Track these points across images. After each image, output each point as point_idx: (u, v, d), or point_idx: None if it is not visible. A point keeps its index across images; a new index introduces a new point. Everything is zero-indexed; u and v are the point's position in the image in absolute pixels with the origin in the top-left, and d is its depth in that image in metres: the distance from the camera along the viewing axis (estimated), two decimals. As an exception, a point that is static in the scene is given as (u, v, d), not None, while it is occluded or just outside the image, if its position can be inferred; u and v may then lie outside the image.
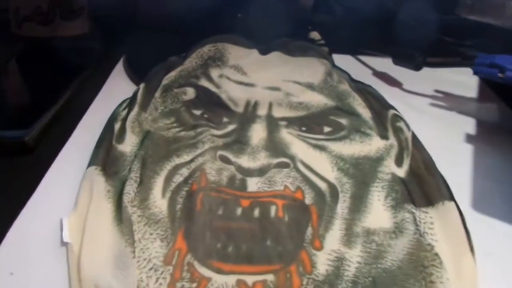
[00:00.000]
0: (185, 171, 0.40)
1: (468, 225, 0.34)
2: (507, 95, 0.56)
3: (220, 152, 0.42)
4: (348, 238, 0.34)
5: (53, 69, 0.59)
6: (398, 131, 0.46)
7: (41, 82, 0.55)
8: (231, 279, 0.31)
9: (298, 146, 0.44)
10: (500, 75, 0.46)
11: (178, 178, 0.40)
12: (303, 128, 0.46)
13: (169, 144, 0.44)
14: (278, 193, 0.38)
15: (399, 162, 0.43)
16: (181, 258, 0.32)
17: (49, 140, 0.46)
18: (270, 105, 0.49)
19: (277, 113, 0.48)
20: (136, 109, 0.48)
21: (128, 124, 0.46)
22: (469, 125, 0.51)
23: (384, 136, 0.46)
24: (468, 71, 0.52)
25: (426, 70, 0.56)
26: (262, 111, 0.48)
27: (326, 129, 0.46)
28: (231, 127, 0.46)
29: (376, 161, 0.42)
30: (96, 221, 0.35)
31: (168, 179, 0.39)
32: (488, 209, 0.38)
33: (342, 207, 0.37)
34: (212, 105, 0.50)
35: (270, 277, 0.31)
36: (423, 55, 0.55)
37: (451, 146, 0.47)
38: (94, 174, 0.39)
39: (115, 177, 0.39)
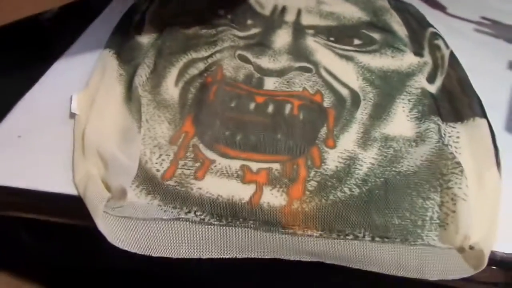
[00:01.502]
0: (201, 65, 0.39)
1: (500, 146, 0.32)
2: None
3: (239, 52, 0.40)
4: (364, 141, 0.33)
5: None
6: (434, 49, 0.43)
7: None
8: (236, 164, 0.30)
9: (323, 54, 0.41)
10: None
11: (193, 71, 0.39)
12: (331, 38, 0.44)
13: (188, 40, 0.42)
14: (296, 93, 0.36)
15: (431, 79, 0.40)
16: (186, 140, 0.32)
17: (69, 24, 0.45)
18: (299, 12, 0.46)
19: (306, 20, 0.45)
20: (157, 1, 0.47)
21: (148, 16, 0.45)
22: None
23: (418, 54, 0.43)
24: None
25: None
26: (289, 17, 0.46)
27: (356, 41, 0.43)
28: (254, 30, 0.44)
29: (406, 75, 0.40)
30: (106, 98, 0.35)
31: (182, 71, 0.39)
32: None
33: (362, 113, 0.35)
34: (238, 5, 0.47)
35: (276, 166, 0.30)
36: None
37: (493, 71, 0.43)
38: (108, 56, 0.39)
39: (130, 64, 0.39)
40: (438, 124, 0.34)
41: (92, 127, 0.31)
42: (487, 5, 0.55)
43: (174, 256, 0.26)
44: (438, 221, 0.27)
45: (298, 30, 0.44)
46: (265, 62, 0.39)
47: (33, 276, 0.37)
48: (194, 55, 0.40)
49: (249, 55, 0.40)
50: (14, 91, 0.36)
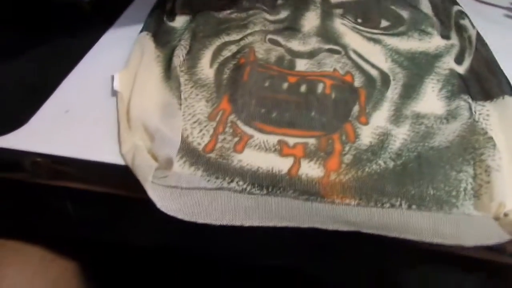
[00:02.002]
0: (233, 48, 0.40)
1: None
2: None
3: (270, 36, 0.41)
4: (397, 118, 0.34)
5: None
6: (461, 29, 0.44)
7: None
8: (273, 138, 0.31)
9: (352, 37, 0.42)
10: None
11: (226, 53, 0.40)
12: (359, 20, 0.44)
13: (219, 24, 0.44)
14: (327, 74, 0.37)
15: (459, 60, 0.40)
16: (224, 116, 0.33)
17: (108, 7, 0.47)
18: None
19: None
20: None
21: (178, 4, 0.47)
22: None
23: (445, 36, 0.43)
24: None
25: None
26: None
27: (384, 23, 0.44)
28: (283, 14, 0.45)
29: (434, 57, 0.40)
30: (146, 77, 0.36)
31: (216, 53, 0.40)
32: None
33: (392, 92, 0.36)
34: None
35: (311, 141, 0.31)
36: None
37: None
38: (146, 39, 0.40)
39: (165, 46, 0.40)
40: (469, 102, 0.34)
41: (135, 103, 0.33)
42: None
43: (218, 223, 0.27)
44: (472, 192, 0.28)
45: (326, 11, 0.45)
46: (295, 45, 0.40)
47: (69, 251, 0.39)
48: (226, 38, 0.42)
49: (279, 39, 0.41)
50: (60, 70, 0.38)
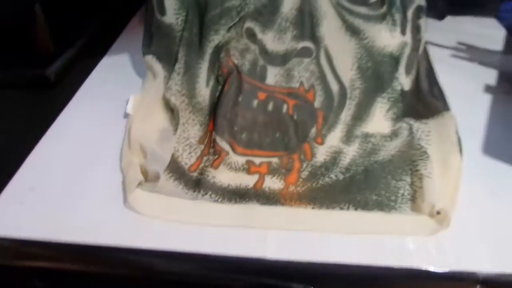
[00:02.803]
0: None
1: (477, 167, 0.36)
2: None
3: (248, 24, 0.43)
4: (348, 138, 0.39)
5: (76, 6, 0.59)
6: (416, 29, 0.45)
7: (64, 21, 0.56)
8: (242, 159, 0.37)
9: (330, 24, 0.42)
10: (524, 21, 0.44)
11: (217, 62, 0.42)
12: None
13: (209, 11, 0.43)
14: (292, 91, 0.41)
15: (408, 69, 0.43)
16: (211, 138, 0.38)
17: (70, 76, 0.48)
18: None
19: None
20: None
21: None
22: (490, 76, 0.49)
23: (403, 31, 0.43)
24: (493, 23, 0.50)
25: (450, 21, 0.54)
26: None
27: None
28: None
29: (396, 62, 0.42)
30: (152, 102, 0.41)
31: (211, 66, 0.42)
32: (497, 154, 0.38)
33: (346, 114, 0.41)
34: None
35: (275, 160, 0.37)
36: (445, 2, 0.53)
37: (469, 94, 0.46)
38: (153, 61, 0.43)
39: (169, 59, 0.43)
40: (410, 124, 0.39)
41: (136, 127, 0.38)
42: (462, 30, 0.58)
43: (192, 222, 0.32)
44: (409, 196, 0.33)
45: None
46: (270, 40, 0.42)
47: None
48: (215, 38, 0.43)
49: (256, 29, 0.43)
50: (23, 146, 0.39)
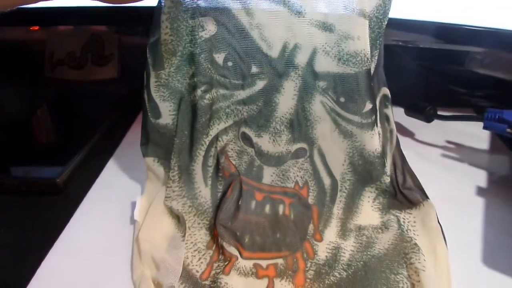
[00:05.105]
0: (213, 151, 0.43)
1: (474, 274, 0.38)
2: (518, 148, 0.57)
3: (242, 129, 0.43)
4: (343, 232, 0.41)
5: (82, 112, 0.63)
6: (384, 119, 0.46)
7: (71, 125, 0.59)
8: (249, 263, 0.38)
9: (324, 127, 0.42)
10: (508, 130, 0.47)
11: (211, 161, 0.44)
12: (342, 100, 0.41)
13: (199, 117, 0.42)
14: (288, 191, 0.43)
15: (383, 156, 0.44)
16: (218, 243, 0.39)
17: (78, 181, 0.49)
18: (314, 52, 0.39)
19: (319, 65, 0.40)
20: (152, 72, 0.42)
21: (152, 92, 0.42)
22: (480, 177, 0.51)
23: (376, 123, 0.42)
24: (479, 123, 0.53)
25: (437, 121, 0.58)
26: (301, 58, 0.40)
27: (368, 106, 0.41)
28: (259, 85, 0.41)
29: (380, 157, 0.43)
30: (158, 209, 0.42)
31: (204, 167, 0.43)
32: (499, 265, 0.39)
33: (338, 207, 0.43)
34: (239, 45, 0.40)
35: (280, 261, 0.39)
36: (434, 107, 0.57)
37: (462, 197, 0.48)
38: (151, 163, 0.44)
39: (169, 158, 0.43)
40: (397, 216, 0.42)
41: (144, 236, 0.39)
42: (450, 128, 0.61)
43: None
44: None
45: (307, 82, 0.40)
46: (266, 142, 0.42)
47: None
48: (207, 140, 0.42)
49: (251, 133, 0.42)
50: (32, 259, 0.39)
